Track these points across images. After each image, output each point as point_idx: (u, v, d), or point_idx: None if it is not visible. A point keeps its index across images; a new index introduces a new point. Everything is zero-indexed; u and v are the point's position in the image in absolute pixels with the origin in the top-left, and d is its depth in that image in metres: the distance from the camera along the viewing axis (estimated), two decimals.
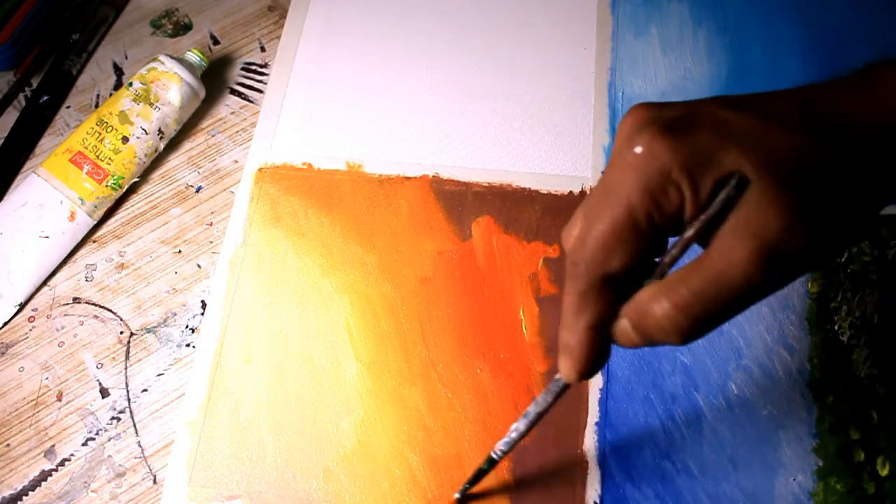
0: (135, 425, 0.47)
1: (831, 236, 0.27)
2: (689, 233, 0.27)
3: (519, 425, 0.37)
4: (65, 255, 0.52)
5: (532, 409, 0.36)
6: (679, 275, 0.27)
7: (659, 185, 0.27)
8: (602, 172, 0.27)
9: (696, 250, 0.28)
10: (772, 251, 0.25)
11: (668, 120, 0.27)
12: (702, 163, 0.26)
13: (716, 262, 0.26)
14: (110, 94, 0.58)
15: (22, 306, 0.51)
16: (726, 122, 0.27)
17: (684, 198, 0.27)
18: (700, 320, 0.27)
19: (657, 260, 0.29)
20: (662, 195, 0.27)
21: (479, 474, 0.41)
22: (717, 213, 0.27)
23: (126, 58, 0.60)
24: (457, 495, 0.43)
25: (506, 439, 0.38)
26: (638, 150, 0.27)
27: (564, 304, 0.30)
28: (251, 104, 0.58)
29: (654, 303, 0.27)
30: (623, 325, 0.29)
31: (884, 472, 0.43)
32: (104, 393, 0.48)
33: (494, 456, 0.39)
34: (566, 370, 0.31)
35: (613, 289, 0.28)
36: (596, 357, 0.30)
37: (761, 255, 0.25)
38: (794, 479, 0.43)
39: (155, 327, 0.50)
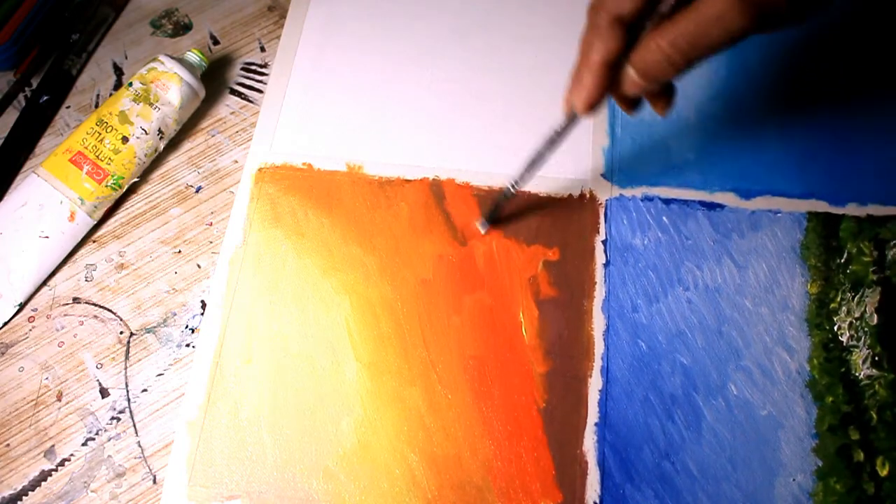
0: (134, 425, 0.47)
1: None
2: None
3: (522, 165, 0.44)
4: (65, 255, 0.52)
5: (536, 146, 0.43)
6: (672, 18, 0.33)
7: None
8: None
9: None
10: None
11: None
12: None
13: (702, 5, 0.31)
14: (110, 94, 0.58)
15: (22, 306, 0.51)
16: None
17: None
18: (687, 54, 0.33)
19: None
20: None
21: (498, 207, 0.49)
22: None
23: (126, 58, 0.60)
24: (480, 227, 0.50)
25: (515, 177, 0.45)
26: None
27: (582, 46, 0.36)
28: (251, 104, 0.58)
29: (650, 41, 0.33)
30: (628, 70, 0.35)
31: (883, 473, 0.43)
32: (104, 393, 0.48)
33: (507, 193, 0.46)
34: (578, 101, 0.37)
35: (624, 30, 0.34)
36: (602, 92, 0.36)
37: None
38: (794, 479, 0.43)
39: (155, 327, 0.50)
